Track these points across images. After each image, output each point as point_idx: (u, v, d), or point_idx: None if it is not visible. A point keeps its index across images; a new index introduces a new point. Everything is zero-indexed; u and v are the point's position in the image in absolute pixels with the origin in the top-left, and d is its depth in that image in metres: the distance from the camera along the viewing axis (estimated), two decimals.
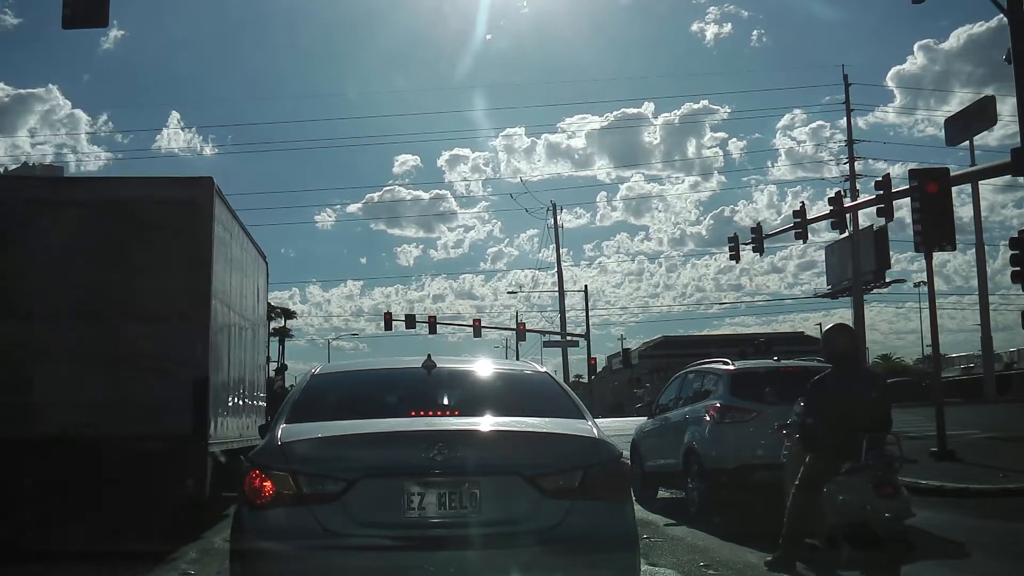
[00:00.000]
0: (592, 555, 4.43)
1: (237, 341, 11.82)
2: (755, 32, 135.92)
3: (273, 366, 52.08)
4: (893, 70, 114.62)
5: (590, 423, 5.08)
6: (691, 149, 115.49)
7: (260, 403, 14.01)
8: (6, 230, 9.65)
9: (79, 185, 10.85)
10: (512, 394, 5.71)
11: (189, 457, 9.38)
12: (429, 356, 5.64)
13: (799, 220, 28.99)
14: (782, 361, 11.67)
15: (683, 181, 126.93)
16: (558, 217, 58.21)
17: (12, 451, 8.85)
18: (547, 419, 5.03)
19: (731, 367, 11.45)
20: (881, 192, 22.91)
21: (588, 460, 4.63)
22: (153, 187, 10.54)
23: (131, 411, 9.29)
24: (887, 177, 23.49)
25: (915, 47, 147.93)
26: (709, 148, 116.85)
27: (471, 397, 5.58)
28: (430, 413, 5.16)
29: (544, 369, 6.23)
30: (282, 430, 4.88)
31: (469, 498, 4.43)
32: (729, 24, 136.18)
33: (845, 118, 47.69)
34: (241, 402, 12.13)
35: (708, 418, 10.97)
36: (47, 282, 9.55)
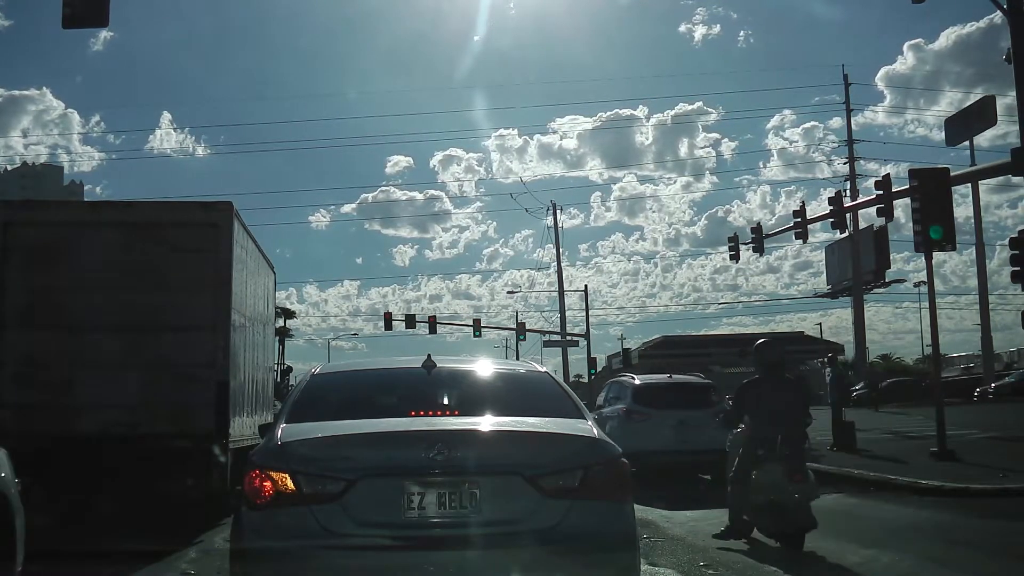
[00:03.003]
0: (592, 555, 4.43)
1: (250, 346, 12.69)
2: (743, 33, 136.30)
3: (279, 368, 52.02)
4: (883, 70, 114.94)
5: (590, 423, 5.08)
6: (684, 150, 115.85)
7: (268, 403, 14.79)
8: (54, 250, 10.72)
9: (115, 209, 11.73)
10: (512, 394, 5.70)
11: (212, 453, 10.28)
12: (429, 356, 5.63)
13: (799, 220, 28.95)
14: (674, 377, 16.80)
15: (675, 182, 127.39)
16: (558, 217, 58.19)
17: (58, 447, 9.86)
18: (547, 419, 5.02)
19: (636, 381, 16.48)
20: (881, 192, 22.92)
21: (588, 460, 4.63)
22: (180, 211, 11.80)
23: (162, 412, 10.37)
24: (887, 177, 23.49)
25: (905, 47, 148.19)
26: (702, 148, 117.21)
27: (471, 397, 5.57)
28: (430, 413, 5.16)
29: (544, 369, 6.23)
30: (282, 430, 4.89)
31: (469, 498, 4.42)
32: (718, 25, 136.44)
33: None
34: (254, 402, 12.93)
35: (620, 416, 15.59)
36: (88, 297, 10.63)
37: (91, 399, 10.22)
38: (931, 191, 17.10)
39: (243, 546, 4.53)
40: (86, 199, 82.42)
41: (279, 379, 41.18)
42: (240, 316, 11.56)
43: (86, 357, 10.37)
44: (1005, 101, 41.74)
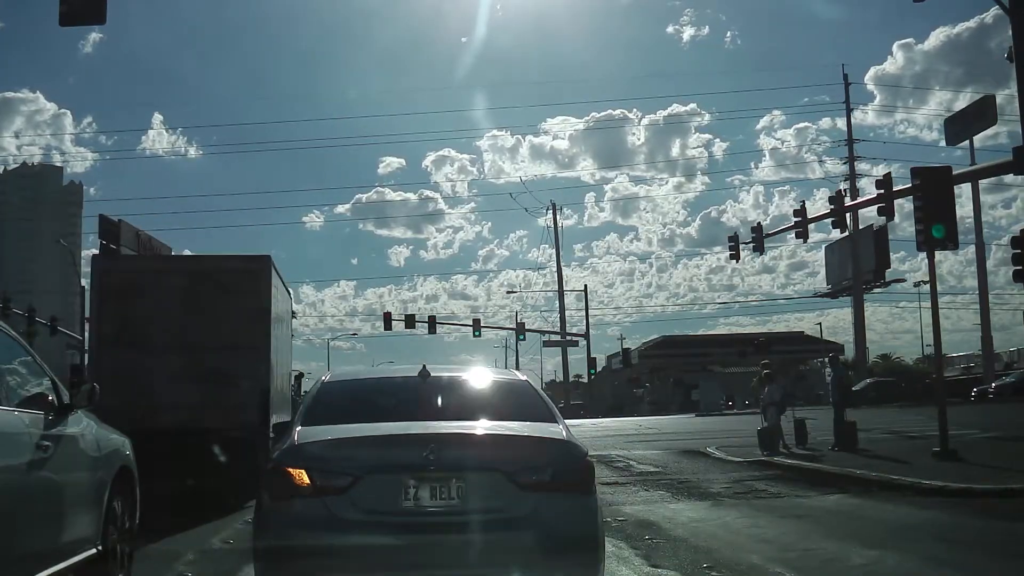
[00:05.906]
0: (559, 539, 5.13)
1: (279, 360, 15.72)
2: (730, 34, 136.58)
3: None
4: (872, 70, 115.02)
5: (561, 426, 5.83)
6: (676, 150, 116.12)
7: (288, 402, 17.75)
8: (134, 291, 14.01)
9: (180, 260, 15.35)
10: (495, 400, 6.50)
11: (258, 441, 12.75)
12: (424, 366, 6.36)
13: (799, 219, 28.92)
14: None
15: (668, 182, 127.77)
16: (558, 217, 58.18)
17: (142, 439, 11.28)
18: (524, 423, 5.79)
19: None
20: (882, 191, 22.89)
21: (558, 459, 5.38)
22: (230, 262, 15.27)
23: (220, 410, 13.31)
24: (888, 176, 23.50)
25: (895, 47, 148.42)
26: (694, 149, 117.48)
27: (460, 403, 6.31)
28: (424, 417, 5.81)
29: (524, 377, 7.04)
30: (298, 432, 5.61)
31: (457, 491, 5.15)
32: (707, 27, 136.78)
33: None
34: (281, 402, 15.99)
35: None
36: (161, 324, 13.77)
37: (166, 401, 13.19)
38: (933, 190, 17.05)
39: (264, 532, 5.23)
40: (85, 200, 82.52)
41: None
42: (274, 338, 14.50)
43: (161, 370, 13.35)
44: (999, 100, 41.78)
